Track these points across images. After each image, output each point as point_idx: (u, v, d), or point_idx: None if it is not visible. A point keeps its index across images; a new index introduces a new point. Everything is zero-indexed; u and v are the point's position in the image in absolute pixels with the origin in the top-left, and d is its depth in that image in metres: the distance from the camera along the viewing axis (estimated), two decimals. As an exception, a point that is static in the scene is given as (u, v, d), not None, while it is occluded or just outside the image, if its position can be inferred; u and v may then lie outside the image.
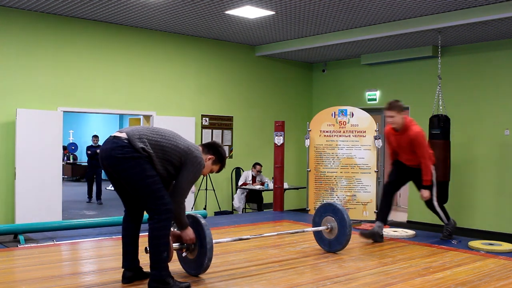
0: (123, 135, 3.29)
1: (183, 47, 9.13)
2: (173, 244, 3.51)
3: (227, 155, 3.77)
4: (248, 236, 4.54)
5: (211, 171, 3.68)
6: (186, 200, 3.47)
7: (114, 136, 3.32)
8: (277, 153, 7.70)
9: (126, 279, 3.48)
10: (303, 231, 4.89)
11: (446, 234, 5.26)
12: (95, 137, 12.10)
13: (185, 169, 3.36)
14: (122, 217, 3.66)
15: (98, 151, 11.58)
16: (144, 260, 3.56)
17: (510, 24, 7.48)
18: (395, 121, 4.83)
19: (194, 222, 3.60)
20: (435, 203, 5.11)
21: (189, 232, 3.54)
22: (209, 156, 3.58)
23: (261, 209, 9.24)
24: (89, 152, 11.66)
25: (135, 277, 3.51)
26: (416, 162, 4.99)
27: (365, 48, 9.43)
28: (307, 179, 7.89)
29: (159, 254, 3.27)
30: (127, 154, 3.22)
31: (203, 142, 4.06)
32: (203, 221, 3.58)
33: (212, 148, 3.62)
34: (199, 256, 3.56)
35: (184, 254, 3.67)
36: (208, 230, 3.53)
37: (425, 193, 4.99)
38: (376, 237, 4.98)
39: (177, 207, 3.36)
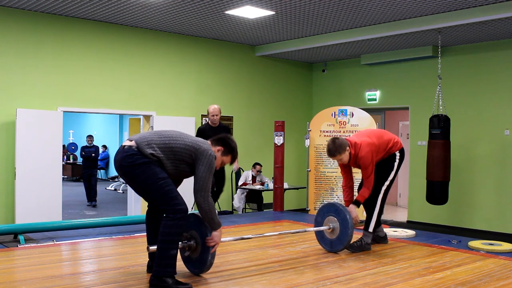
0: (132, 143, 3.41)
1: (183, 47, 9.13)
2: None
3: (236, 146, 3.73)
4: (250, 236, 4.53)
5: (223, 163, 3.66)
6: (185, 200, 3.47)
7: (124, 145, 3.44)
8: (277, 153, 7.70)
9: (150, 268, 3.64)
10: (305, 231, 4.88)
11: (358, 244, 4.63)
12: (89, 137, 11.63)
13: (199, 163, 3.40)
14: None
15: (92, 151, 11.12)
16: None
17: (510, 24, 7.48)
18: (344, 161, 4.57)
19: (196, 220, 3.60)
20: (379, 200, 4.68)
21: (219, 235, 3.50)
22: (218, 148, 3.58)
23: (261, 209, 9.24)
24: (83, 153, 11.23)
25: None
26: (381, 155, 4.70)
27: (365, 48, 9.43)
28: (307, 179, 7.89)
29: (167, 251, 3.31)
30: (137, 161, 3.34)
31: None
32: None
33: (220, 140, 3.63)
34: (202, 255, 3.56)
35: (186, 254, 3.66)
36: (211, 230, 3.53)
37: (353, 208, 4.55)
38: (366, 248, 4.69)
39: (203, 203, 3.37)
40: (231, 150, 3.64)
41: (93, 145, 11.45)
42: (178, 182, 3.68)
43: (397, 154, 4.76)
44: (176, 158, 3.41)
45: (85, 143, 11.76)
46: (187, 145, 3.43)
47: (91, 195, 11.18)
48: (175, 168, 3.44)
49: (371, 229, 4.69)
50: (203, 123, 6.97)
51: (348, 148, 4.53)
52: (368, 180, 4.59)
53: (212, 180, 3.57)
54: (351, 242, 4.58)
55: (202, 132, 6.68)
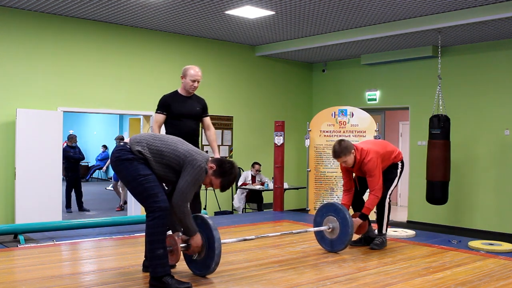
0: (127, 140, 3.45)
1: (183, 47, 9.13)
2: (180, 245, 3.51)
3: (233, 176, 3.49)
4: (253, 237, 4.53)
5: (211, 183, 3.49)
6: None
7: (121, 142, 3.49)
8: (277, 153, 7.70)
9: (145, 267, 3.68)
10: (306, 231, 4.88)
11: (379, 242, 4.75)
12: (72, 137, 10.58)
13: (184, 172, 3.35)
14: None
15: (77, 151, 10.37)
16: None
17: (510, 24, 7.48)
18: (348, 163, 4.60)
19: (203, 223, 3.59)
20: (386, 204, 4.77)
21: (197, 240, 3.47)
22: (211, 165, 3.45)
23: (261, 209, 9.24)
24: (71, 153, 10.26)
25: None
26: (384, 164, 4.75)
27: (365, 48, 9.43)
28: (307, 179, 7.89)
29: (153, 251, 3.30)
30: (123, 156, 3.36)
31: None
32: (211, 222, 3.56)
33: (218, 160, 3.50)
34: (206, 259, 3.55)
35: (194, 257, 3.63)
36: (217, 235, 3.50)
37: (358, 221, 4.59)
38: (386, 244, 4.83)
39: (179, 212, 3.36)
40: (221, 174, 3.43)
41: (74, 146, 10.53)
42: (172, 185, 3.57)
43: (399, 163, 4.88)
44: (163, 162, 3.36)
45: (86, 143, 11.09)
46: (177, 151, 3.37)
47: (80, 201, 10.29)
48: (162, 172, 3.39)
49: (384, 231, 4.82)
50: (170, 92, 5.10)
51: (353, 151, 4.58)
52: (376, 188, 4.58)
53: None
54: (374, 241, 4.74)
55: (167, 105, 4.92)
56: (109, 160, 6.69)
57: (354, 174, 4.88)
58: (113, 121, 17.85)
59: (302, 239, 5.13)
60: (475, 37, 8.44)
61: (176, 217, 3.40)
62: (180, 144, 3.46)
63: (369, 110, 8.79)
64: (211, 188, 3.65)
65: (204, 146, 9.01)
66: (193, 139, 4.81)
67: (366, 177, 4.66)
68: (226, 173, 3.45)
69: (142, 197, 3.33)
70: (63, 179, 8.20)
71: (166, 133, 4.78)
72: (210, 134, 4.95)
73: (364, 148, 4.65)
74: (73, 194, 10.33)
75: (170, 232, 3.54)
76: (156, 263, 3.30)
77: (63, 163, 10.26)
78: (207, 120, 4.96)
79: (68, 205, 10.14)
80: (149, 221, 3.30)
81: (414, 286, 3.51)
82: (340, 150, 4.53)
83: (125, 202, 10.50)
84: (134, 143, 3.38)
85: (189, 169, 3.34)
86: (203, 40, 9.36)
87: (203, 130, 5.02)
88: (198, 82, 4.86)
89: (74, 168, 10.40)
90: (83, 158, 10.90)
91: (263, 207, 9.33)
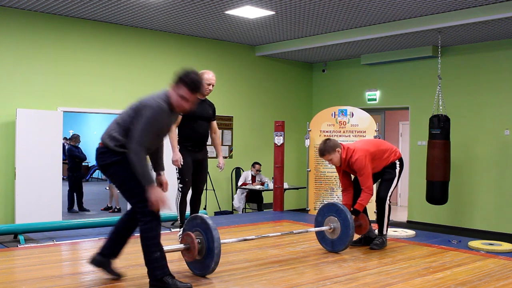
0: (100, 142, 3.37)
1: (183, 47, 9.13)
2: (179, 245, 3.51)
3: (193, 72, 3.22)
4: (253, 237, 4.53)
5: (186, 100, 3.22)
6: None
7: (99, 143, 3.40)
8: (277, 153, 7.70)
9: (92, 260, 3.54)
10: (307, 231, 4.88)
11: (379, 242, 4.76)
12: (75, 137, 10.40)
13: (139, 116, 3.20)
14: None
15: (81, 151, 10.30)
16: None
17: (510, 24, 7.48)
18: (334, 162, 4.64)
19: (203, 223, 3.59)
20: (386, 206, 4.78)
21: (155, 192, 3.18)
22: (170, 88, 3.23)
23: (261, 209, 9.24)
24: (77, 153, 10.20)
25: (102, 264, 3.54)
26: (377, 163, 4.76)
27: (365, 48, 9.43)
28: (307, 179, 7.89)
29: (150, 254, 3.29)
30: (107, 160, 3.31)
31: None
32: (211, 222, 3.55)
33: (172, 80, 3.25)
34: (206, 258, 3.55)
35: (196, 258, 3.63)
36: (217, 235, 3.49)
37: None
38: (386, 244, 4.84)
39: (131, 155, 3.15)
40: (180, 80, 3.18)
41: (76, 146, 10.40)
42: (155, 153, 3.52)
43: (397, 162, 4.86)
44: (127, 131, 3.25)
45: (86, 143, 10.91)
46: (131, 109, 3.27)
47: (80, 201, 10.15)
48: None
49: (384, 231, 4.82)
50: None
51: (339, 150, 4.60)
52: (367, 185, 4.59)
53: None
54: (374, 241, 4.74)
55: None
56: None
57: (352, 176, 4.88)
58: (113, 121, 17.82)
59: (302, 239, 5.13)
60: (475, 37, 8.44)
61: (131, 162, 3.16)
62: (129, 108, 3.32)
63: (369, 110, 8.79)
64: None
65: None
66: (205, 139, 5.08)
67: (357, 176, 4.67)
68: (182, 78, 3.20)
69: (134, 200, 3.31)
70: (64, 179, 8.19)
71: (180, 133, 4.96)
72: (216, 138, 5.26)
73: (351, 147, 4.66)
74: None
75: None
76: (154, 266, 3.29)
77: (67, 163, 10.32)
78: (215, 123, 5.25)
79: (71, 206, 10.05)
80: (143, 225, 3.29)
81: (414, 286, 3.51)
82: (324, 148, 4.59)
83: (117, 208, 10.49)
84: (108, 141, 3.30)
85: (143, 111, 3.17)
86: (203, 40, 9.36)
87: (209, 133, 5.23)
88: (212, 85, 5.05)
89: (78, 168, 10.39)
90: (86, 158, 10.89)
91: (263, 207, 9.33)
